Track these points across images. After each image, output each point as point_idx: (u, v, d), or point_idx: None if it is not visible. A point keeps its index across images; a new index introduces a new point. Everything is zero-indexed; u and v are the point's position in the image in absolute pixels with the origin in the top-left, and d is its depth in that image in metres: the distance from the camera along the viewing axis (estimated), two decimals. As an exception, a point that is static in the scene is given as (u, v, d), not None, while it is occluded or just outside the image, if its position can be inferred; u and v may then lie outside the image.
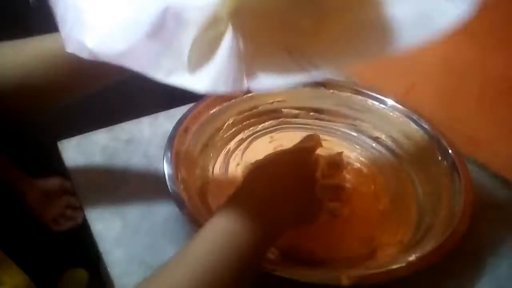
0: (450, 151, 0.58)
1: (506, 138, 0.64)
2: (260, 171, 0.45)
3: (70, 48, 0.36)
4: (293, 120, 0.71)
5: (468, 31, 0.49)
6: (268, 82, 0.34)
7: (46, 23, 0.40)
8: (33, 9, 0.81)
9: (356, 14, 0.36)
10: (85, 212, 0.57)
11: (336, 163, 0.50)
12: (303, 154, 0.48)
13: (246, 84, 0.35)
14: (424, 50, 0.69)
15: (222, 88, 0.34)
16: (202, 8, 0.33)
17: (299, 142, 0.52)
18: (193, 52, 0.34)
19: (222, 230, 0.37)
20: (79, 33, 0.35)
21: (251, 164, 0.49)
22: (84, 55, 0.34)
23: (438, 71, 0.73)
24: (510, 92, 0.62)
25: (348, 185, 0.58)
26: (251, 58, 0.35)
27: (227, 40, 0.34)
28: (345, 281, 0.42)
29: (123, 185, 0.60)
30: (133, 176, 0.62)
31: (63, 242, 0.95)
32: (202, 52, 0.34)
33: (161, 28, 0.34)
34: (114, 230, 0.54)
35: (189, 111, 0.62)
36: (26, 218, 0.92)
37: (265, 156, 0.50)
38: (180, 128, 0.59)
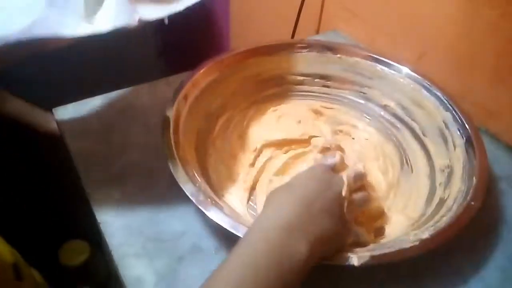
0: (465, 122, 0.54)
1: None
2: (286, 196, 0.42)
3: None
4: (298, 87, 0.67)
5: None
6: (154, 12, 0.46)
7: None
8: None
9: None
10: (83, 182, 0.55)
11: (360, 175, 0.47)
12: (326, 174, 0.44)
13: (136, 17, 0.44)
14: (437, 12, 0.67)
15: (118, 23, 0.43)
16: None
17: (322, 159, 0.48)
18: (86, 4, 0.43)
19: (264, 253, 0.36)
20: None
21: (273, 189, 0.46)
22: None
23: (452, 37, 0.68)
24: None
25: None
26: None
27: None
28: (355, 261, 0.40)
29: (122, 154, 0.58)
30: (132, 145, 0.59)
31: (64, 212, 0.93)
32: (92, 1, 0.44)
33: None
34: (113, 200, 0.52)
35: (187, 77, 0.58)
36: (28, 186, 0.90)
37: (287, 182, 0.45)
38: (179, 95, 0.56)
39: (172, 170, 0.47)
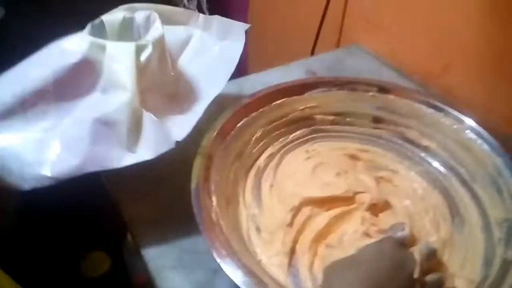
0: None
1: None
2: (353, 275, 0.37)
3: (29, 185, 0.45)
4: (329, 127, 0.62)
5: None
6: (185, 128, 0.50)
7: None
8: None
9: None
10: (115, 195, 0.56)
11: (434, 253, 0.42)
12: (396, 251, 0.39)
13: (173, 140, 0.49)
14: (462, 23, 0.63)
15: (159, 151, 0.48)
16: (119, 108, 0.48)
17: (387, 232, 0.44)
18: (128, 136, 0.49)
19: None
20: (33, 170, 0.45)
21: (332, 263, 0.40)
22: (46, 183, 0.45)
23: (477, 47, 0.66)
24: None
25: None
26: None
27: (146, 120, 0.50)
28: None
29: (153, 167, 0.51)
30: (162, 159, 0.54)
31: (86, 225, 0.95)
32: (133, 134, 0.49)
33: (98, 134, 0.47)
34: (146, 212, 0.54)
35: (213, 130, 0.53)
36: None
37: (351, 256, 0.40)
38: (205, 152, 0.51)
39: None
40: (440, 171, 0.57)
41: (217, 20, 0.63)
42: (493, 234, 0.49)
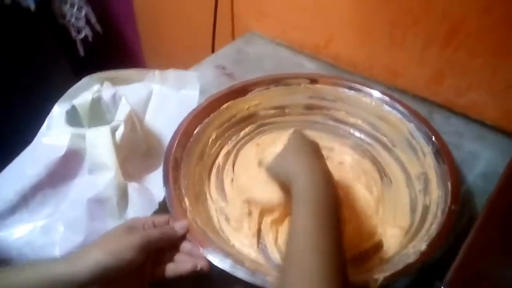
0: (428, 130, 0.62)
1: (417, 65, 0.77)
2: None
3: None
4: (271, 120, 0.72)
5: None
6: (160, 189, 0.56)
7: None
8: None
9: None
10: None
11: None
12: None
13: (156, 202, 0.58)
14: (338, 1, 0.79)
15: (145, 213, 0.56)
16: (107, 187, 0.56)
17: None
18: (118, 208, 0.57)
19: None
20: (45, 252, 0.54)
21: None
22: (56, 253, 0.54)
23: (352, 17, 0.80)
24: (415, 25, 0.72)
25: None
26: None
27: (131, 190, 0.58)
28: (373, 284, 0.46)
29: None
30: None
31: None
32: (122, 205, 0.57)
33: (93, 212, 0.56)
34: None
35: (173, 139, 0.61)
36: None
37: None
38: (170, 158, 0.59)
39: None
40: (367, 142, 0.69)
41: (172, 73, 0.71)
42: (414, 187, 0.61)
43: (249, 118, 0.71)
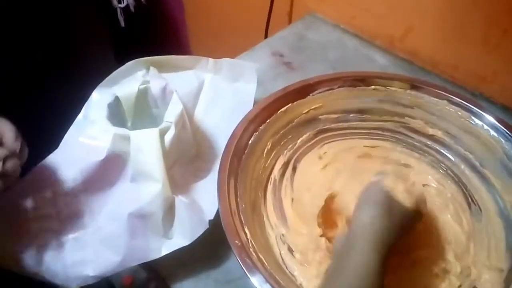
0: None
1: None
2: None
3: (75, 284, 0.48)
4: (333, 126, 0.61)
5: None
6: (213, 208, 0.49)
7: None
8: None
9: None
10: None
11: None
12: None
13: (206, 220, 0.49)
14: None
15: (196, 234, 0.48)
16: (152, 200, 0.48)
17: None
18: (164, 226, 0.49)
19: None
20: (76, 270, 0.48)
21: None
22: (90, 282, 0.48)
23: (440, 7, 0.68)
24: None
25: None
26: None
27: (178, 205, 0.50)
28: None
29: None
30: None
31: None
32: (167, 222, 0.49)
33: (135, 228, 0.48)
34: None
35: (226, 152, 0.51)
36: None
37: None
38: (225, 178, 0.49)
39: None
40: (449, 159, 0.58)
41: (226, 62, 0.62)
42: (511, 219, 0.52)
43: (307, 123, 0.61)
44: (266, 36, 0.93)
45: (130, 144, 0.49)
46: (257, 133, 0.55)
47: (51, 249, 0.48)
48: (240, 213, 0.47)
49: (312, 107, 0.60)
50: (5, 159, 0.43)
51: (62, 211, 0.49)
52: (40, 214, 0.49)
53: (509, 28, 0.62)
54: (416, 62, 0.75)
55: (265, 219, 0.52)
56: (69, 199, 0.50)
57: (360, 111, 0.62)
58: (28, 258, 0.48)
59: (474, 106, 0.57)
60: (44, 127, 0.55)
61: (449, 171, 0.58)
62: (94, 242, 0.49)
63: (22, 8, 0.62)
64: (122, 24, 1.05)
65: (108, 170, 0.50)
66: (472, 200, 0.55)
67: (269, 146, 0.57)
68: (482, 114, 0.56)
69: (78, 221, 0.50)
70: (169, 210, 0.50)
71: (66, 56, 0.70)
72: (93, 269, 0.48)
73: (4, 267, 0.47)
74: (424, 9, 0.70)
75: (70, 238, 0.49)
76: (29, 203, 0.49)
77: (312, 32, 0.82)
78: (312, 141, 0.60)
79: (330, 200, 0.52)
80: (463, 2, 0.65)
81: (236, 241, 0.44)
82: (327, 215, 0.52)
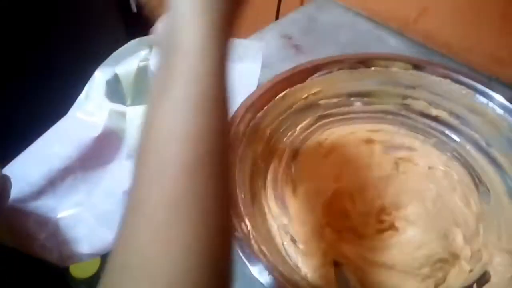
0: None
1: None
2: None
3: (69, 263, 0.47)
4: (334, 111, 0.59)
5: None
6: None
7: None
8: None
9: None
10: None
11: None
12: None
13: None
14: None
15: None
16: None
17: None
18: None
19: None
20: (71, 248, 0.46)
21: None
22: (85, 259, 0.47)
23: None
24: None
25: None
26: None
27: None
28: None
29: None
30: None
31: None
32: None
33: None
34: None
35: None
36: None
37: None
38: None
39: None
40: (454, 140, 0.56)
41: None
42: (520, 198, 0.50)
43: (307, 109, 0.58)
44: (277, 18, 0.91)
45: (126, 120, 0.49)
46: (254, 120, 0.53)
47: (46, 226, 0.47)
48: (240, 204, 0.46)
49: (311, 92, 0.58)
50: None
51: (57, 187, 0.49)
52: (36, 190, 0.48)
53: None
54: (431, 45, 0.72)
55: (266, 209, 0.50)
56: (65, 175, 0.49)
57: (361, 94, 0.59)
58: (24, 235, 0.47)
59: (479, 84, 0.55)
60: (56, 112, 0.55)
61: (455, 153, 0.55)
62: (89, 220, 0.48)
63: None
64: (134, 9, 1.03)
65: (104, 147, 0.50)
66: (480, 181, 0.53)
67: (268, 134, 0.55)
68: (487, 92, 0.54)
69: (73, 197, 0.49)
70: None
71: (78, 42, 0.68)
72: (88, 247, 0.47)
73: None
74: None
75: (66, 215, 0.48)
76: (25, 179, 0.48)
77: (323, 15, 0.80)
78: (312, 128, 0.58)
79: (336, 190, 0.51)
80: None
81: (237, 233, 0.42)
82: (332, 204, 0.50)
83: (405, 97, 0.59)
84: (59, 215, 0.47)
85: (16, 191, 0.45)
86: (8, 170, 0.47)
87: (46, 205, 0.47)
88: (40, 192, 0.47)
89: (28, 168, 0.48)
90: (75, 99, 0.53)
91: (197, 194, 0.25)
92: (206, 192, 0.25)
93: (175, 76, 0.27)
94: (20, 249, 0.46)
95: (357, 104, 0.60)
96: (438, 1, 0.69)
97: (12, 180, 0.43)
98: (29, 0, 0.59)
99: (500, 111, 0.53)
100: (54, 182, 0.48)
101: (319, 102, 0.59)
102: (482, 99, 0.54)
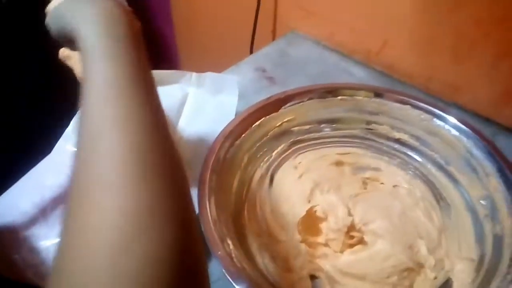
0: (492, 150, 0.55)
1: (483, 82, 0.69)
2: None
3: None
4: (305, 137, 0.64)
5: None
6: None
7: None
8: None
9: None
10: None
11: None
12: None
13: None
14: (397, 4, 0.70)
15: None
16: None
17: None
18: None
19: None
20: None
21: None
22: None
23: (413, 21, 0.72)
24: (485, 39, 0.65)
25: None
26: None
27: None
28: None
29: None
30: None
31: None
32: None
33: None
34: None
35: (205, 167, 0.53)
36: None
37: None
38: (202, 193, 0.51)
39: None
40: (416, 160, 0.62)
41: (209, 76, 0.65)
42: (477, 212, 0.54)
43: (281, 136, 0.63)
44: (251, 52, 0.98)
45: None
46: (233, 147, 0.57)
47: (39, 254, 0.49)
48: (222, 225, 0.49)
49: (285, 120, 0.62)
50: None
51: (48, 215, 0.51)
52: (29, 219, 0.50)
53: (477, 39, 0.66)
54: (393, 74, 0.79)
55: (246, 230, 0.54)
56: (56, 204, 0.51)
57: (330, 121, 0.65)
58: (17, 263, 0.48)
59: (435, 109, 0.60)
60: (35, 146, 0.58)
61: (417, 172, 0.61)
62: None
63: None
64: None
65: None
66: (441, 197, 0.58)
67: (246, 160, 0.59)
68: (443, 116, 0.60)
69: None
70: None
71: (58, 77, 0.72)
72: None
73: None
74: (398, 24, 0.74)
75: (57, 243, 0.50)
76: (18, 208, 0.50)
77: (294, 49, 0.86)
78: (287, 153, 0.63)
79: (310, 209, 0.55)
80: (432, 16, 0.69)
81: (219, 252, 0.46)
82: (307, 222, 0.54)
83: (369, 122, 0.64)
84: (51, 243, 0.49)
85: (9, 220, 0.47)
86: (1, 200, 0.50)
87: (38, 233, 0.49)
88: (33, 221, 0.49)
89: (21, 198, 0.50)
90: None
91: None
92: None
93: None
94: (13, 277, 0.48)
95: (327, 130, 0.65)
96: (397, 34, 0.76)
97: (5, 210, 0.46)
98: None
99: (455, 132, 0.59)
100: (46, 211, 0.50)
101: (292, 129, 0.63)
102: (439, 122, 0.60)
